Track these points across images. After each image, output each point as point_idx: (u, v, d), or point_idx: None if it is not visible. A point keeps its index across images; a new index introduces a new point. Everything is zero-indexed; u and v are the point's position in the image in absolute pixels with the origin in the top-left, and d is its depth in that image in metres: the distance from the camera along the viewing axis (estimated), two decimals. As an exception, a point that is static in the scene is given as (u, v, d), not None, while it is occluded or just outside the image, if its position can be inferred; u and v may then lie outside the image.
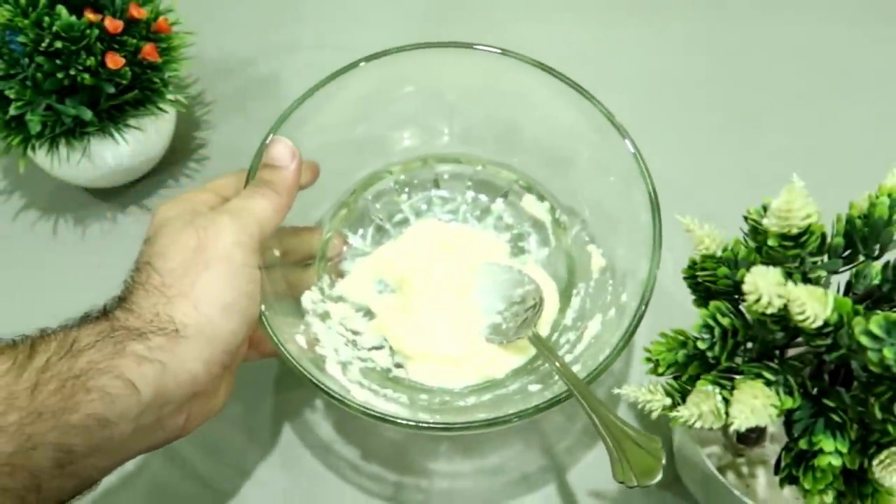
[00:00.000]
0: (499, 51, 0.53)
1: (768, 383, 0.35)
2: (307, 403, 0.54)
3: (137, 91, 0.56)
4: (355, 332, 0.54)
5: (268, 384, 0.55)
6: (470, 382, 0.52)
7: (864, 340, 0.31)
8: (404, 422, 0.44)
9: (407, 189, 0.60)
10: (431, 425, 0.44)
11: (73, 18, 0.52)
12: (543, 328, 0.53)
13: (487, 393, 0.51)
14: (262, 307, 0.45)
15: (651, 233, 0.47)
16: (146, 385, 0.37)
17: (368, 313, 0.55)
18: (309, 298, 0.53)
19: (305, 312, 0.52)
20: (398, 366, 0.52)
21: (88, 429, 0.36)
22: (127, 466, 0.52)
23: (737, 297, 0.38)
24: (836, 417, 0.35)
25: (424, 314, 0.53)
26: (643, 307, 0.45)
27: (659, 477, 0.40)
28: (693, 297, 0.41)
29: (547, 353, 0.48)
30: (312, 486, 0.52)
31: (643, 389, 0.39)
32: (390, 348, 0.53)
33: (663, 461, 0.40)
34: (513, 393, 0.50)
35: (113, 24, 0.53)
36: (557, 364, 0.46)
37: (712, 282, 0.38)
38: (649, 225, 0.48)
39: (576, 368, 0.47)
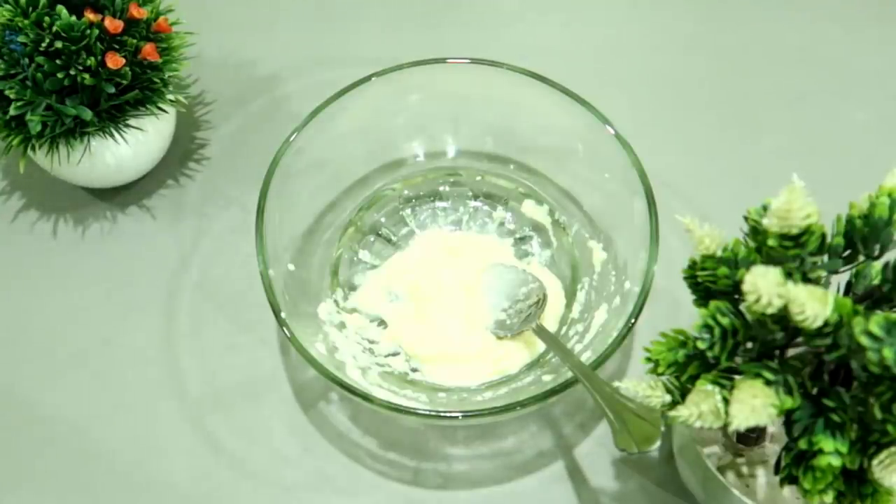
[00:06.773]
0: (500, 65, 0.56)
1: (768, 383, 0.35)
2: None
3: (137, 91, 0.56)
4: (371, 341, 0.55)
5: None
6: (485, 379, 0.53)
7: (864, 340, 0.31)
8: (425, 411, 0.46)
9: (411, 203, 0.61)
10: (449, 413, 0.46)
11: (73, 18, 0.52)
12: (551, 324, 0.54)
13: (503, 387, 0.52)
14: (283, 314, 0.47)
15: (647, 220, 0.50)
16: None
17: (382, 323, 0.56)
18: (325, 310, 0.55)
19: (322, 323, 0.54)
20: (414, 370, 0.54)
21: None
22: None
23: (737, 297, 0.38)
24: (835, 417, 0.35)
25: (436, 318, 0.55)
26: (645, 292, 0.48)
27: (658, 443, 0.42)
28: (693, 297, 0.41)
29: (550, 341, 0.51)
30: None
31: (644, 385, 0.39)
32: (405, 354, 0.54)
33: (662, 428, 0.42)
34: (527, 385, 0.51)
35: (113, 24, 0.53)
36: (561, 351, 0.48)
37: (712, 282, 0.38)
38: (645, 213, 0.50)
39: (586, 356, 0.49)
